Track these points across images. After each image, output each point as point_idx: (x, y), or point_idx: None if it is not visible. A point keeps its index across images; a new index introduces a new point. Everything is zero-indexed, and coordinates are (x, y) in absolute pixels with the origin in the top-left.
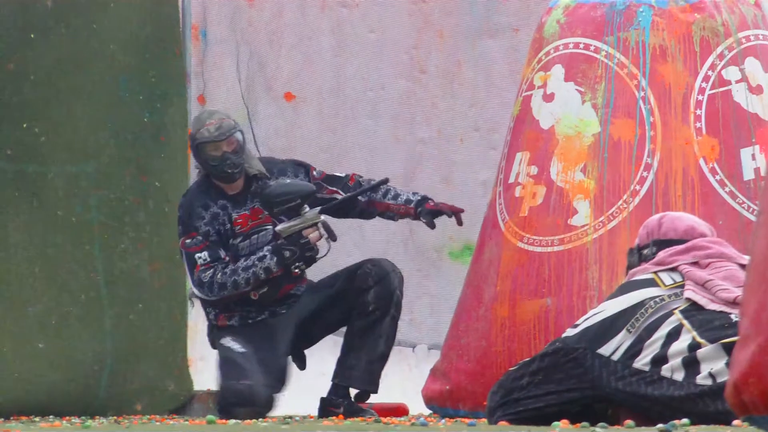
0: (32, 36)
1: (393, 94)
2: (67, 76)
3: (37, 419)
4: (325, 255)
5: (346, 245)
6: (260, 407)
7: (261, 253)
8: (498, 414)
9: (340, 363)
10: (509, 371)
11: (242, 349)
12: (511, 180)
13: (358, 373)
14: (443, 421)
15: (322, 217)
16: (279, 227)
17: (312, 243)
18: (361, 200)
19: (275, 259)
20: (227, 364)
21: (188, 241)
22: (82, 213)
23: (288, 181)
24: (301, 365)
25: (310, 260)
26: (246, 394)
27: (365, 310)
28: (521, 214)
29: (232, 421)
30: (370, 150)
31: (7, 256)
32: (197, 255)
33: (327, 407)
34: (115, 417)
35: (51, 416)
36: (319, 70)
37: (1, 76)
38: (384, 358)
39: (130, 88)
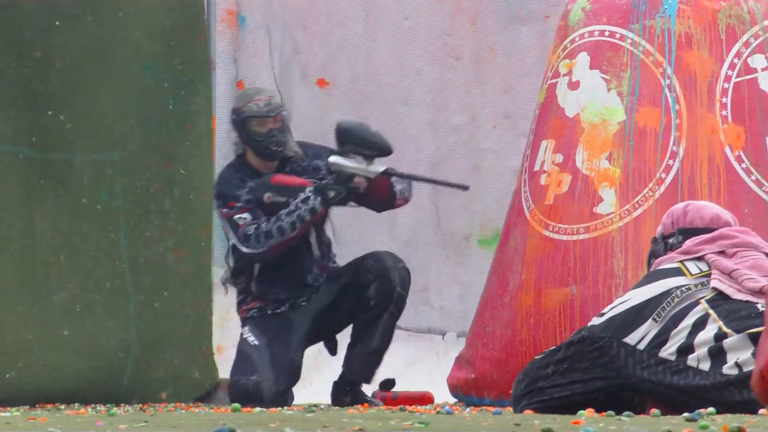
0: (58, 24)
1: (427, 81)
2: (93, 63)
3: (62, 407)
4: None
5: (381, 234)
6: (266, 403)
7: (303, 195)
8: (523, 402)
9: (347, 352)
10: (534, 360)
11: (256, 342)
12: (537, 168)
13: (354, 365)
14: (468, 409)
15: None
16: (333, 159)
17: (359, 192)
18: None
19: (319, 198)
20: (240, 357)
21: (225, 209)
22: (107, 201)
23: (374, 130)
24: (333, 351)
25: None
26: (251, 391)
27: (367, 305)
28: (546, 202)
29: (258, 409)
30: (403, 137)
31: (32, 243)
32: (238, 216)
33: (337, 395)
34: (139, 405)
35: (76, 404)
36: (353, 57)
37: (28, 63)
38: (378, 353)
39: (156, 76)
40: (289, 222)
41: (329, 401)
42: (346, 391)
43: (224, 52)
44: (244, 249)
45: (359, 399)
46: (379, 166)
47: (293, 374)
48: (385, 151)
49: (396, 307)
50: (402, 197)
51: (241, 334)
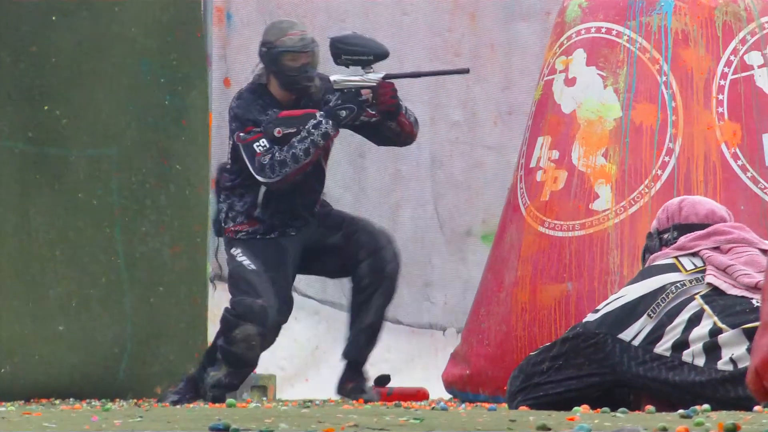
0: (54, 19)
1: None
2: (89, 59)
3: (57, 401)
4: (373, 119)
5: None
6: (269, 329)
7: (315, 121)
8: (518, 399)
9: (348, 335)
10: (529, 356)
11: (252, 266)
12: (533, 164)
13: (348, 345)
14: (463, 405)
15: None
16: (335, 77)
17: (369, 103)
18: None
19: (330, 122)
20: (240, 279)
21: (243, 134)
22: (103, 196)
23: (368, 36)
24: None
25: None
26: (258, 312)
27: (360, 284)
28: (542, 198)
29: (252, 404)
30: None
31: (28, 239)
32: (255, 144)
33: (342, 382)
34: (134, 400)
35: (71, 398)
36: None
37: (24, 59)
38: (371, 329)
39: (152, 72)
40: (303, 149)
41: (325, 397)
42: (352, 378)
43: (212, 49)
44: (259, 179)
45: (361, 390)
46: (378, 73)
47: (289, 307)
48: (381, 52)
49: (389, 283)
50: (408, 118)
51: (233, 256)
